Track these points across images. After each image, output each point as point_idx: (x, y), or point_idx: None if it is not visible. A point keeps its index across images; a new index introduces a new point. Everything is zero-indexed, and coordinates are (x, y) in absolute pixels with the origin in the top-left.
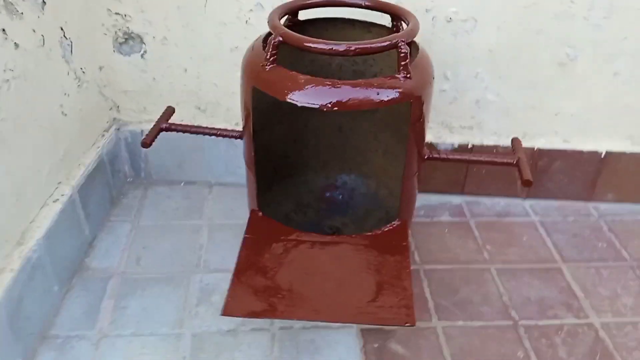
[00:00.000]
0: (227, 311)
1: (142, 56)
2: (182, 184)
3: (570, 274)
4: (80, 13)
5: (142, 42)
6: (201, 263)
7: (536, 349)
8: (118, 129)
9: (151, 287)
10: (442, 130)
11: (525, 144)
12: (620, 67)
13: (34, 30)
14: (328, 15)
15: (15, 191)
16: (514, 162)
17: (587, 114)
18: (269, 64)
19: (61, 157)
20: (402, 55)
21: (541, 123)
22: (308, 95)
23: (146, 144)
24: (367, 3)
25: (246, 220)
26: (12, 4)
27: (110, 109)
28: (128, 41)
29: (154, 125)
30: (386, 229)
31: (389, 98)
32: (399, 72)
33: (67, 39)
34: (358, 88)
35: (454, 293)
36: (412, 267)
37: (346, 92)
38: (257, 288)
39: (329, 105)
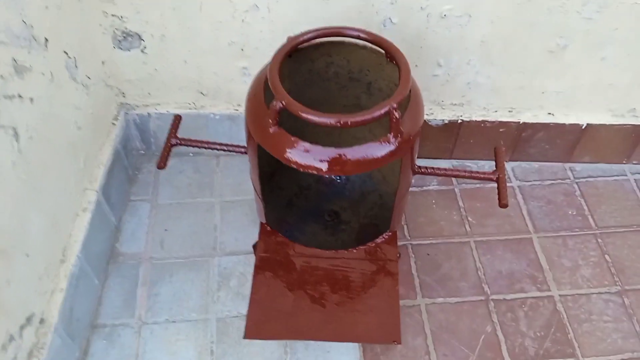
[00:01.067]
0: (248, 335)
1: (142, 51)
2: (190, 155)
3: (540, 245)
4: (78, 25)
5: (140, 39)
6: (217, 245)
7: (502, 322)
8: (127, 113)
9: (177, 273)
10: (433, 107)
11: (512, 118)
12: (609, 53)
13: (42, 74)
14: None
15: (51, 219)
16: (495, 179)
17: (572, 92)
18: (271, 127)
19: (82, 167)
20: (394, 120)
21: (528, 100)
22: (309, 161)
23: (161, 166)
24: (362, 36)
25: (253, 197)
26: (20, 64)
27: (117, 95)
28: (127, 38)
29: (165, 144)
30: (379, 241)
31: (384, 158)
32: (390, 131)
33: (71, 58)
34: (354, 152)
35: (436, 269)
36: (401, 243)
37: (344, 158)
38: (271, 311)
39: (328, 170)
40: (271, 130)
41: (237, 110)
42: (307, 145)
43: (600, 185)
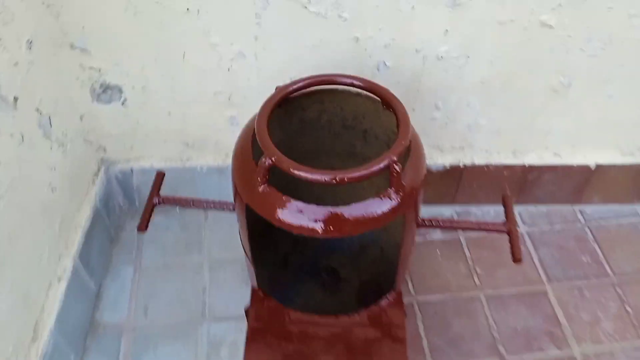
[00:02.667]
0: None
1: (122, 104)
2: (177, 210)
3: (555, 297)
4: (53, 80)
5: (120, 91)
6: (206, 310)
7: None
8: (107, 169)
9: (162, 344)
10: (432, 152)
11: (515, 160)
12: (615, 90)
13: (11, 135)
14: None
15: (20, 293)
16: (506, 231)
17: (578, 131)
18: (261, 185)
19: (57, 232)
20: (394, 174)
21: (532, 140)
22: (302, 222)
23: (142, 229)
24: (356, 83)
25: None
26: None
27: (97, 151)
28: (106, 91)
29: (146, 205)
30: (383, 304)
31: (384, 217)
32: (391, 187)
33: (44, 115)
34: (352, 210)
35: (446, 328)
36: (406, 300)
37: (340, 218)
38: None
39: (324, 233)
40: (260, 189)
41: (225, 161)
42: (299, 204)
43: (613, 228)
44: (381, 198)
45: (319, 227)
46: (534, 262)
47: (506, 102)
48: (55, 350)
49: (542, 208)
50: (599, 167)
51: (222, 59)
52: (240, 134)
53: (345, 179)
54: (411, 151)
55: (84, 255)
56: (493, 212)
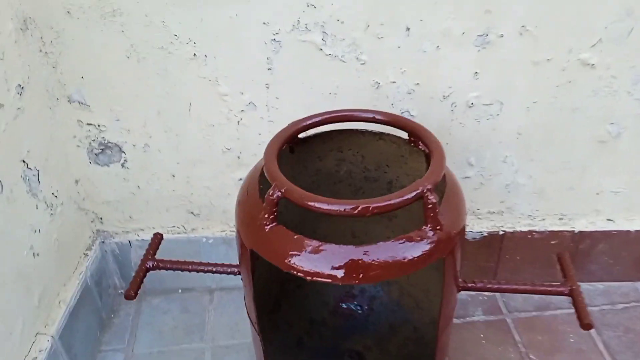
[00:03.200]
0: None
1: (122, 165)
2: (179, 292)
3: None
4: (46, 131)
5: (121, 151)
6: None
7: None
8: (103, 242)
9: None
10: (468, 218)
11: (564, 226)
12: None
13: None
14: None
15: None
16: (567, 292)
17: (632, 191)
18: (268, 223)
19: (36, 304)
20: (429, 206)
21: (581, 203)
22: (318, 266)
23: (130, 296)
24: (378, 117)
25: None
26: None
27: (92, 221)
28: (105, 151)
29: (139, 267)
30: None
31: (420, 258)
32: (426, 223)
33: (31, 169)
34: (380, 250)
35: None
36: None
37: (365, 262)
38: None
39: (345, 279)
40: (267, 228)
41: (234, 231)
42: (315, 244)
43: None
44: (414, 237)
45: (339, 272)
46: (598, 348)
47: (547, 157)
48: None
49: (599, 285)
50: None
51: (232, 110)
52: (246, 177)
53: (370, 209)
54: (447, 190)
55: (66, 337)
56: None
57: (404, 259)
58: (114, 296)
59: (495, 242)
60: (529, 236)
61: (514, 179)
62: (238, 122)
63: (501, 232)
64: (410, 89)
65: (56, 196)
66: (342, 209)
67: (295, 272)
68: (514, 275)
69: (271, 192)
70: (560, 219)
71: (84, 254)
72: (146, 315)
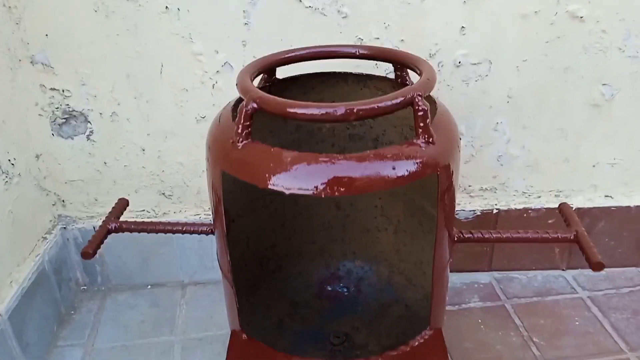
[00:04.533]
0: None
1: (88, 137)
2: (148, 287)
3: None
4: (6, 93)
5: (86, 120)
6: None
7: None
8: (64, 228)
9: None
10: (459, 196)
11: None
12: None
13: None
14: (313, 70)
15: None
16: (572, 238)
17: (630, 163)
18: (241, 139)
19: None
20: (420, 114)
21: (577, 177)
22: (298, 179)
23: (88, 253)
24: (362, 52)
25: (229, 331)
26: None
27: (53, 204)
28: (69, 121)
29: (99, 228)
30: (415, 344)
31: (409, 172)
32: (417, 136)
33: None
34: (366, 163)
35: None
36: None
37: (350, 170)
38: None
39: (328, 190)
40: (240, 145)
41: (209, 214)
42: (296, 155)
43: None
44: (405, 146)
45: (320, 182)
46: (605, 329)
47: (540, 124)
48: None
49: (602, 272)
50: None
51: (207, 72)
52: (219, 112)
53: (355, 111)
54: (437, 112)
55: (17, 320)
56: (541, 278)
57: (394, 169)
58: (75, 291)
59: (489, 222)
60: (525, 215)
61: (506, 150)
62: (213, 85)
63: (495, 211)
64: (395, 46)
65: (13, 164)
66: (324, 112)
67: (273, 188)
68: (510, 261)
69: (245, 103)
70: (557, 195)
71: (43, 237)
72: (110, 311)
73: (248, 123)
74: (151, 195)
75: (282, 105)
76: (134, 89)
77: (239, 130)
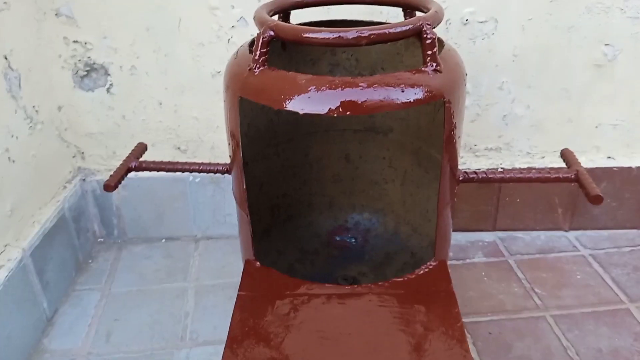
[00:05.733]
0: None
1: (107, 90)
2: (162, 241)
3: None
4: (31, 42)
5: (106, 73)
6: (187, 335)
7: None
8: (84, 180)
9: None
10: (465, 155)
11: (564, 164)
12: None
13: None
14: (325, 18)
15: None
16: (573, 177)
17: (631, 124)
18: (258, 66)
19: (8, 214)
20: (428, 42)
21: (580, 138)
22: (312, 100)
23: (110, 186)
24: None
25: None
26: None
27: (74, 156)
28: (90, 74)
29: (121, 164)
30: (420, 272)
31: (417, 97)
32: (425, 64)
33: (13, 70)
34: (376, 86)
35: (506, 350)
36: None
37: (361, 92)
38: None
39: (340, 110)
40: (257, 71)
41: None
42: (308, 77)
43: None
44: (413, 72)
45: (336, 104)
46: (606, 282)
47: (544, 84)
48: None
49: (604, 233)
50: None
51: (222, 27)
52: (235, 52)
53: (367, 35)
54: (444, 50)
55: (39, 260)
56: (544, 237)
57: (403, 92)
58: (92, 242)
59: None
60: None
61: (511, 110)
62: (228, 40)
63: (500, 170)
64: None
65: (37, 111)
66: (337, 36)
67: (289, 108)
68: (514, 221)
69: (262, 31)
70: (560, 156)
71: (63, 186)
72: (126, 261)
73: (265, 50)
74: (167, 149)
75: (298, 31)
76: (153, 43)
77: (256, 57)
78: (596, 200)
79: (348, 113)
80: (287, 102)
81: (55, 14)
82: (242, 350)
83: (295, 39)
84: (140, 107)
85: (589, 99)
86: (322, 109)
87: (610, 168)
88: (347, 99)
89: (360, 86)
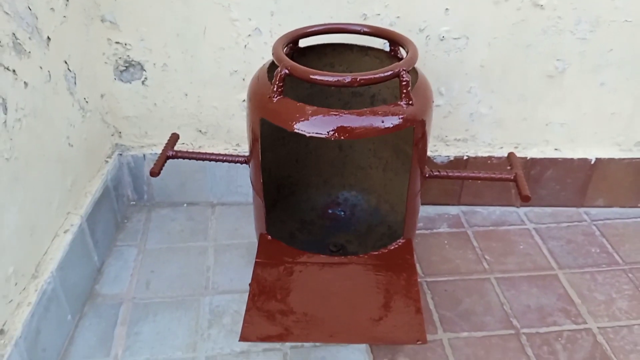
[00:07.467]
0: (244, 337)
1: (142, 83)
2: (184, 205)
3: (567, 280)
4: (82, 45)
5: (142, 69)
6: (210, 285)
7: (538, 356)
8: (120, 154)
9: (162, 312)
10: (437, 144)
11: (518, 154)
12: (606, 78)
13: (40, 67)
14: (327, 41)
15: (29, 226)
16: (512, 178)
17: (576, 123)
18: (276, 95)
19: (69, 188)
20: (403, 83)
21: (533, 133)
22: (315, 126)
23: (155, 173)
24: (365, 30)
25: (251, 240)
26: (20, 44)
27: (112, 135)
28: (129, 69)
29: (161, 154)
30: (392, 247)
31: (394, 125)
32: (401, 99)
33: (70, 71)
34: (364, 117)
35: (457, 304)
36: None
37: (352, 121)
38: (272, 312)
39: (336, 135)
40: (275, 99)
41: (236, 149)
42: (313, 108)
43: (620, 227)
44: (392, 106)
45: (331, 130)
46: (542, 252)
47: (505, 89)
48: (54, 296)
49: (548, 210)
50: (599, 162)
51: (240, 35)
52: (255, 73)
53: (358, 80)
54: (419, 81)
55: (91, 222)
56: (499, 212)
57: (383, 122)
58: (127, 205)
59: (459, 165)
60: (489, 161)
61: (477, 109)
62: (245, 45)
63: (465, 157)
64: (392, 22)
65: (87, 102)
66: (336, 79)
67: (297, 131)
68: (476, 198)
69: (280, 69)
70: (515, 147)
71: (105, 160)
72: (155, 222)
73: (281, 84)
74: (190, 131)
75: (307, 72)
76: (182, 46)
77: (275, 89)
78: (525, 199)
79: (342, 138)
80: (297, 126)
81: (101, 20)
82: (260, 302)
83: (304, 79)
84: (169, 97)
85: (541, 102)
86: (322, 133)
87: (556, 158)
88: (341, 125)
89: (352, 116)
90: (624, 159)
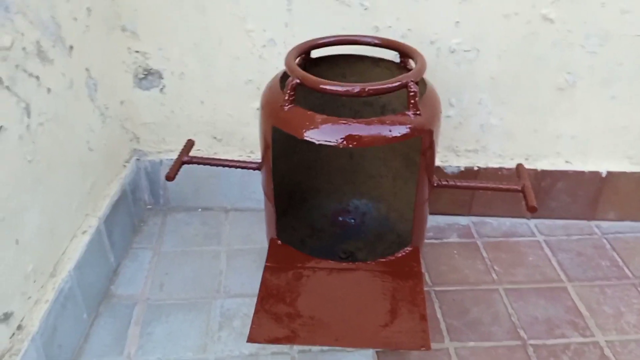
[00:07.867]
0: (251, 338)
1: (161, 90)
2: (199, 210)
3: (576, 293)
4: (103, 53)
5: (160, 77)
6: (221, 289)
7: None
8: (138, 159)
9: (175, 313)
10: (448, 154)
11: (529, 165)
12: (617, 91)
13: (63, 74)
14: (338, 52)
15: (49, 226)
16: (520, 189)
17: (587, 136)
18: (287, 104)
19: (88, 190)
20: (411, 94)
21: (543, 145)
22: (325, 134)
23: (170, 177)
24: (376, 42)
25: (263, 245)
26: (44, 51)
27: (131, 140)
28: (147, 77)
29: (176, 159)
30: (399, 255)
31: (401, 134)
32: (409, 109)
33: (92, 78)
34: (372, 126)
35: (464, 313)
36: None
37: (361, 130)
38: (280, 315)
39: (345, 143)
40: (286, 108)
41: (250, 156)
42: (324, 117)
43: (631, 240)
44: (400, 115)
45: (341, 139)
46: (552, 264)
47: (515, 101)
48: (70, 295)
49: (559, 222)
50: (610, 175)
51: (255, 45)
52: (268, 83)
53: (367, 90)
54: (427, 91)
55: (109, 224)
56: (509, 223)
57: (390, 131)
58: (143, 209)
59: (470, 176)
60: (499, 172)
61: (487, 120)
62: (259, 56)
63: (475, 168)
64: (404, 34)
65: (107, 108)
66: (346, 89)
67: (307, 139)
68: (486, 208)
69: (291, 79)
70: (526, 159)
71: (124, 165)
72: (171, 225)
73: (293, 93)
74: (205, 138)
75: (317, 82)
76: (199, 55)
77: (286, 98)
78: (532, 209)
79: (351, 146)
80: (307, 134)
81: (122, 30)
82: (268, 305)
83: (315, 88)
84: (186, 104)
85: (552, 115)
86: (332, 141)
87: (567, 171)
88: (350, 134)
89: (360, 125)
90: (635, 172)
